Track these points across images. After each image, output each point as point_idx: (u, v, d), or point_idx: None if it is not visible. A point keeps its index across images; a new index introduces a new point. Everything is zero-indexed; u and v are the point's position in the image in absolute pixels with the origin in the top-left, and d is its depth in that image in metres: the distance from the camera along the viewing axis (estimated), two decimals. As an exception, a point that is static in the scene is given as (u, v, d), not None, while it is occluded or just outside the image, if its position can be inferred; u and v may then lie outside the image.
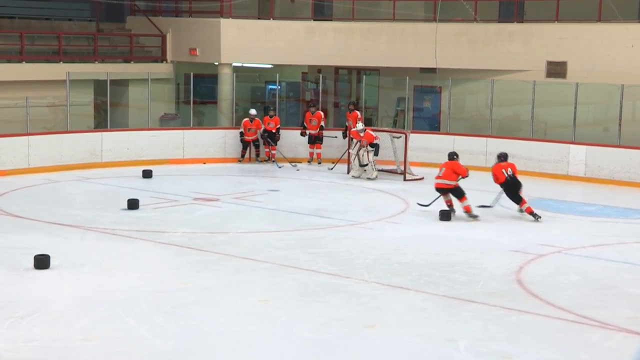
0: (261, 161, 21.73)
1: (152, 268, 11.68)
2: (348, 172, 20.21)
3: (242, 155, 21.65)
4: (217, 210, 15.81)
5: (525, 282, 11.35)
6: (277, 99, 23.51)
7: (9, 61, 21.73)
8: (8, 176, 18.38)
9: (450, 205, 15.39)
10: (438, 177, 15.45)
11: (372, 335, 9.24)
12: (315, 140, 21.74)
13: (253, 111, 21.70)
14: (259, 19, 24.66)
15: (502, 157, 15.85)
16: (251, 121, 21.41)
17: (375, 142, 19.44)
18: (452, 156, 15.70)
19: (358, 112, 21.82)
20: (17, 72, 21.45)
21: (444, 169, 15.47)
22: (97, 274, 11.28)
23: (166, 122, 23.30)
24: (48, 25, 23.93)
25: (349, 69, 25.65)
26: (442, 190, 15.42)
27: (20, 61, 21.85)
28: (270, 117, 21.79)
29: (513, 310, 10.15)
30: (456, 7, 22.83)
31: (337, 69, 25.47)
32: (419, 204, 16.01)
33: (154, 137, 21.28)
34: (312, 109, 21.76)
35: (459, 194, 15.31)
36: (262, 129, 21.49)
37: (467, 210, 15.27)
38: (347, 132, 21.81)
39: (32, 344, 8.56)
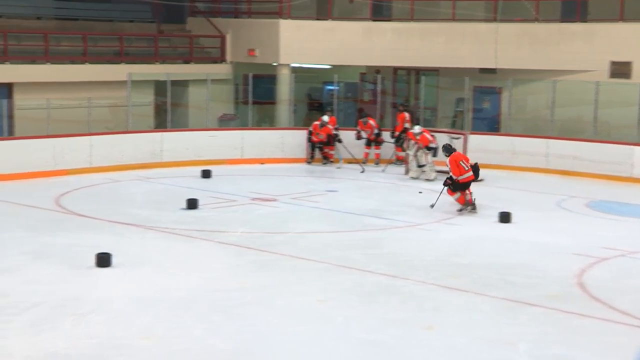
0: (325, 163, 21.73)
1: (210, 267, 11.77)
2: (406, 173, 20.10)
3: (311, 157, 21.63)
4: (275, 211, 15.86)
5: (588, 286, 11.13)
6: (335, 100, 23.48)
7: (72, 62, 22.12)
8: (71, 175, 18.71)
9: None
10: (467, 171, 15.45)
11: (429, 337, 9.16)
12: (371, 143, 21.67)
13: (326, 118, 21.53)
14: (317, 19, 24.68)
15: (451, 148, 15.89)
16: (321, 127, 21.32)
17: (431, 145, 19.29)
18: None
19: (407, 114, 21.69)
20: (80, 73, 21.83)
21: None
22: (157, 273, 11.40)
23: (225, 123, 23.48)
24: (110, 27, 24.31)
25: (408, 70, 25.52)
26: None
27: (83, 62, 22.22)
28: (327, 118, 21.74)
29: (574, 314, 9.97)
30: (517, 6, 22.53)
31: (395, 69, 25.36)
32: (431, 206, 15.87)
33: (213, 137, 21.45)
34: (364, 119, 21.70)
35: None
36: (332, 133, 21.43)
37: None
38: (394, 133, 21.75)
39: (93, 341, 8.69)
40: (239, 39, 24.51)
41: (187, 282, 10.94)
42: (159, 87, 22.61)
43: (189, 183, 18.36)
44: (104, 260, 11.44)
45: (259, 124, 23.69)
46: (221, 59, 24.80)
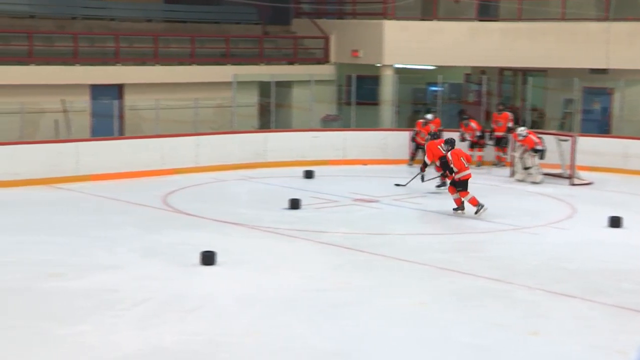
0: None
1: (312, 267, 11.81)
2: (511, 176, 19.71)
3: (412, 157, 21.50)
4: (377, 212, 15.81)
5: None
6: (439, 101, 23.26)
7: (180, 64, 22.62)
8: (177, 174, 19.12)
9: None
10: (466, 169, 15.39)
11: (535, 343, 8.94)
12: (474, 145, 21.37)
13: (430, 115, 21.39)
14: (422, 20, 24.49)
15: (453, 142, 15.79)
16: (424, 125, 21.20)
17: (537, 147, 18.86)
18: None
19: (509, 113, 21.27)
20: (187, 74, 22.31)
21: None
22: (260, 272, 11.52)
23: (328, 123, 23.56)
24: (217, 28, 24.76)
25: (514, 70, 25.03)
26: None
27: (190, 64, 22.70)
28: (432, 118, 21.55)
29: (689, 324, 9.56)
30: (630, 4, 21.79)
31: (501, 70, 24.91)
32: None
33: (316, 138, 21.56)
34: (465, 121, 21.41)
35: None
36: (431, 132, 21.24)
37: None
38: (492, 133, 21.36)
39: (198, 338, 8.83)
40: (343, 39, 24.56)
41: (288, 282, 11.01)
42: (264, 88, 22.88)
43: (292, 183, 18.50)
44: (208, 258, 11.62)
45: (362, 125, 23.66)
46: (325, 60, 24.91)
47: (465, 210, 15.35)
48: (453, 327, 9.35)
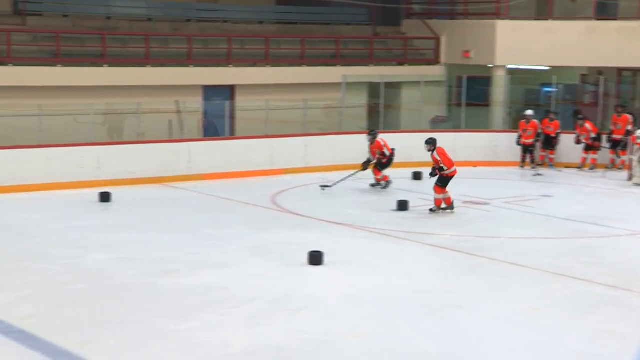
0: (535, 165, 21.03)
1: (419, 269, 11.71)
2: (629, 179, 19.04)
3: (523, 160, 21.06)
4: (486, 214, 15.55)
5: None
6: (552, 102, 22.69)
7: (290, 65, 22.83)
8: (286, 175, 19.31)
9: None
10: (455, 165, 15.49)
11: (652, 354, 8.59)
12: (589, 147, 20.75)
13: (529, 112, 21.03)
14: (536, 19, 23.95)
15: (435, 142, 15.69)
16: (527, 122, 20.79)
17: None
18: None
19: (629, 116, 20.54)
20: (297, 75, 22.48)
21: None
22: (366, 273, 11.49)
23: (437, 125, 23.31)
24: (327, 30, 24.88)
25: (634, 71, 24.17)
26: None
27: (300, 65, 22.88)
28: (550, 120, 21.04)
29: None
30: None
31: (619, 70, 24.10)
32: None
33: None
34: (580, 122, 20.81)
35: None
36: (538, 130, 20.78)
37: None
38: (611, 135, 20.66)
39: (306, 337, 8.88)
40: (453, 40, 24.28)
41: (395, 283, 10.94)
42: (373, 88, 22.84)
43: (400, 185, 18.38)
44: (316, 258, 11.68)
45: (472, 127, 23.31)
46: (435, 61, 24.68)
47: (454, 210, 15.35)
48: (566, 333, 9.09)
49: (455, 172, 15.43)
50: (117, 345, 8.60)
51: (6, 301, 9.78)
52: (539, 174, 20.10)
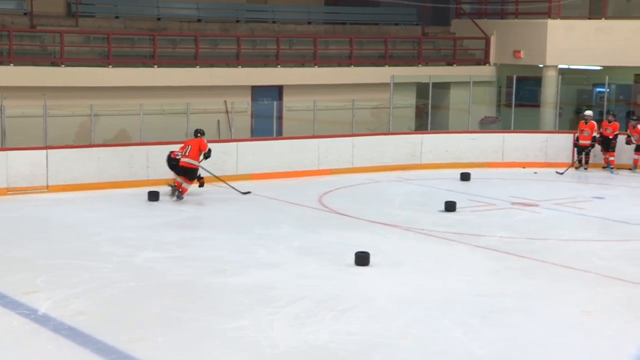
0: (586, 168, 20.70)
1: (469, 271, 11.58)
2: (683, 181, 18.68)
3: (579, 161, 20.74)
4: (536, 216, 15.34)
5: None
6: (605, 102, 22.32)
7: (338, 65, 22.82)
8: (334, 175, 19.28)
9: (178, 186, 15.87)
10: (184, 157, 15.78)
11: None
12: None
13: (589, 112, 20.69)
14: (589, 19, 23.59)
15: None
16: (586, 123, 20.47)
17: None
18: (197, 134, 16.15)
19: None
20: (346, 75, 22.47)
21: (190, 147, 15.88)
22: (415, 274, 11.41)
23: (486, 125, 23.09)
24: (376, 30, 24.81)
25: (688, 70, 23.69)
26: (182, 169, 15.89)
27: (348, 65, 22.86)
28: (609, 122, 20.67)
29: None
30: None
31: (674, 69, 23.65)
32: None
33: (474, 140, 21.18)
34: (633, 122, 20.44)
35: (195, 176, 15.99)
36: (596, 132, 20.42)
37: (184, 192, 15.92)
38: None
39: (353, 338, 8.83)
40: (504, 40, 24.03)
41: (445, 285, 10.84)
42: (421, 89, 22.72)
43: (448, 185, 18.26)
44: (363, 258, 11.62)
45: (522, 127, 23.05)
46: (485, 61, 24.46)
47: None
48: (621, 338, 8.93)
49: (181, 163, 15.95)
50: (166, 343, 8.65)
51: (58, 298, 9.90)
52: (560, 173, 19.78)
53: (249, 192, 16.17)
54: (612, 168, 20.42)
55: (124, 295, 10.20)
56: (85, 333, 8.77)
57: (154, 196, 16.05)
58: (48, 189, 16.55)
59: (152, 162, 17.66)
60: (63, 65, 19.12)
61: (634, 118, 20.75)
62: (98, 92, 18.95)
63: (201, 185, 16.39)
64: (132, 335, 8.79)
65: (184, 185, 16.10)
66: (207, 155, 16.19)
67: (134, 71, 19.88)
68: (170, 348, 8.52)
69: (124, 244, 12.60)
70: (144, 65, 20.27)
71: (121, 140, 18.72)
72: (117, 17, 21.39)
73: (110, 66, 19.66)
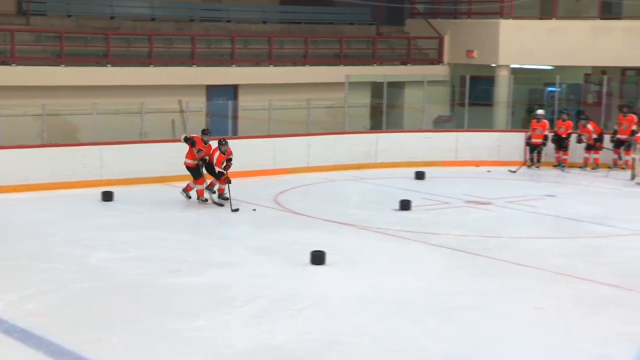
0: (538, 166, 20.96)
1: (424, 269, 11.68)
2: (632, 179, 19.01)
3: (531, 160, 20.98)
4: (490, 214, 15.52)
5: None
6: (556, 102, 22.66)
7: (293, 64, 22.81)
8: (289, 174, 19.28)
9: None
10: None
11: (659, 355, 8.56)
12: (591, 147, 20.70)
13: (541, 111, 20.97)
14: (540, 19, 23.92)
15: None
16: (538, 122, 20.73)
17: None
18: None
19: (635, 116, 20.50)
20: (301, 75, 22.46)
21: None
22: (371, 273, 11.47)
23: (440, 124, 23.28)
24: (331, 29, 24.86)
25: (638, 70, 24.13)
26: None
27: (303, 64, 22.86)
28: (563, 120, 20.95)
29: None
30: None
31: (623, 70, 24.07)
32: None
33: (428, 139, 21.33)
34: (583, 122, 20.79)
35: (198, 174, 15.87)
36: (548, 131, 20.65)
37: (200, 195, 15.79)
38: (614, 135, 20.65)
39: (309, 337, 8.85)
40: (457, 40, 24.25)
41: (401, 283, 10.91)
42: (376, 88, 22.82)
43: (403, 184, 18.38)
44: (319, 258, 11.65)
45: (475, 126, 23.29)
46: (439, 61, 24.66)
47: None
48: (573, 334, 9.07)
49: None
50: (121, 344, 8.58)
51: (10, 300, 9.77)
52: (513, 171, 20.07)
53: (237, 210, 15.66)
54: (563, 166, 20.73)
55: (78, 296, 10.10)
56: (38, 335, 8.67)
57: (107, 196, 15.90)
58: (0, 189, 16.30)
59: (106, 162, 17.50)
60: (14, 65, 18.83)
61: (584, 117, 21.08)
62: (51, 92, 18.68)
63: (228, 182, 15.75)
64: (87, 336, 8.70)
65: (190, 184, 15.99)
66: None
67: (87, 70, 19.66)
68: (125, 349, 8.46)
69: (78, 245, 12.47)
70: (98, 64, 20.06)
71: (74, 140, 18.49)
72: (69, 16, 21.12)
73: (63, 65, 19.41)
